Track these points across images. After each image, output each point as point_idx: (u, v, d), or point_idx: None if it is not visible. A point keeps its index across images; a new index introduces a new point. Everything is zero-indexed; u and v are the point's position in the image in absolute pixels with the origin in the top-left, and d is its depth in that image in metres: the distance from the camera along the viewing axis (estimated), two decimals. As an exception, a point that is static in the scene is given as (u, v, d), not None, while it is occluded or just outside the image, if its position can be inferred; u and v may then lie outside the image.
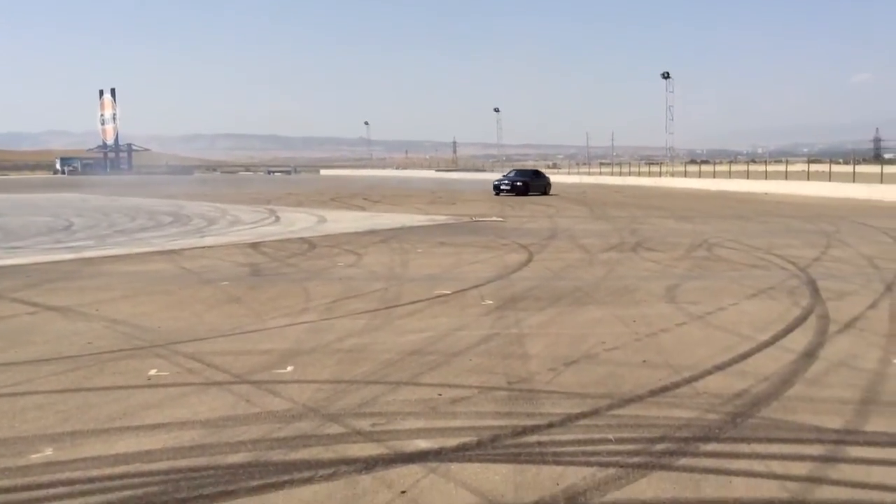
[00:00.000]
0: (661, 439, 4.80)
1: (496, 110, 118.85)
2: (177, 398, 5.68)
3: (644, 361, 6.68)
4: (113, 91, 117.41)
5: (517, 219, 23.41)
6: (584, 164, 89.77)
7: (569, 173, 72.03)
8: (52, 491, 4.06)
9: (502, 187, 39.42)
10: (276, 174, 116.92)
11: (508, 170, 49.75)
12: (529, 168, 50.64)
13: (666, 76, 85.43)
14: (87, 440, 4.80)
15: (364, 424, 5.07)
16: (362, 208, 29.58)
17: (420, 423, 5.11)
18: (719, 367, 6.44)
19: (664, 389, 5.84)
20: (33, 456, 4.55)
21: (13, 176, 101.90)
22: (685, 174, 59.38)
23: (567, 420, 5.17)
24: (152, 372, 6.38)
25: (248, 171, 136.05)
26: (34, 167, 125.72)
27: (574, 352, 7.01)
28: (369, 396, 5.69)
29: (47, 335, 7.80)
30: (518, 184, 39.53)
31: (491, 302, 9.54)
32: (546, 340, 7.51)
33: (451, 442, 4.74)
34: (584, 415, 5.27)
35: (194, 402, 5.59)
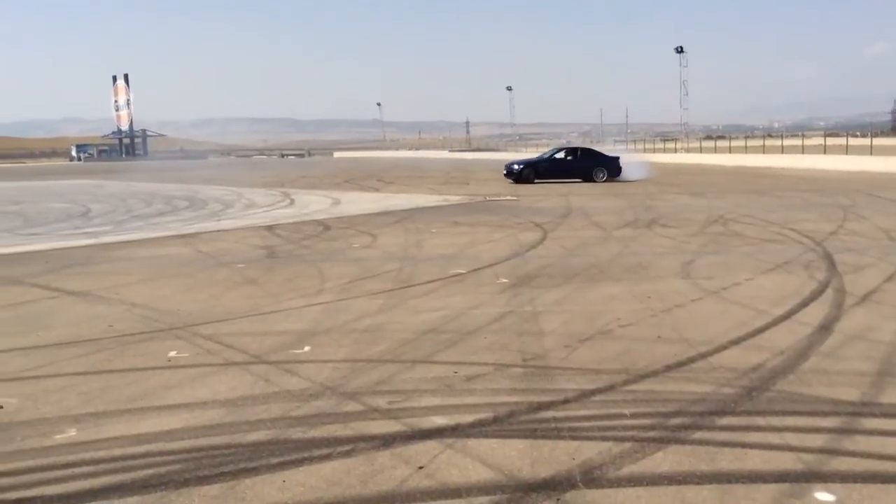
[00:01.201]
0: (677, 413, 4.82)
1: (509, 89, 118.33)
2: (197, 379, 5.76)
3: (659, 337, 6.70)
4: (126, 77, 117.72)
5: (531, 198, 23.35)
6: (599, 141, 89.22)
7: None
8: (76, 470, 4.14)
9: (504, 172, 31.07)
10: (289, 157, 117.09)
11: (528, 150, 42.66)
12: (567, 146, 39.75)
13: (680, 51, 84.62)
14: (110, 420, 4.89)
15: (381, 402, 5.12)
16: (376, 190, 29.61)
17: (436, 401, 5.16)
18: (735, 342, 6.45)
19: (679, 364, 5.86)
20: (57, 436, 4.64)
21: (30, 163, 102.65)
22: (700, 150, 58.99)
23: (582, 396, 5.20)
24: (172, 353, 6.47)
25: (261, 154, 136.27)
26: (50, 154, 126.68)
27: (589, 328, 7.03)
28: (386, 375, 5.74)
29: (68, 319, 7.91)
30: (514, 167, 30.69)
31: (506, 280, 9.56)
32: (561, 317, 7.53)
33: (468, 418, 4.78)
34: (599, 390, 5.30)
35: (214, 382, 5.66)
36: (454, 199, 23.58)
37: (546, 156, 32.80)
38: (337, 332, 7.12)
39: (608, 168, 30.66)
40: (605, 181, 29.98)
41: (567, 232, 14.54)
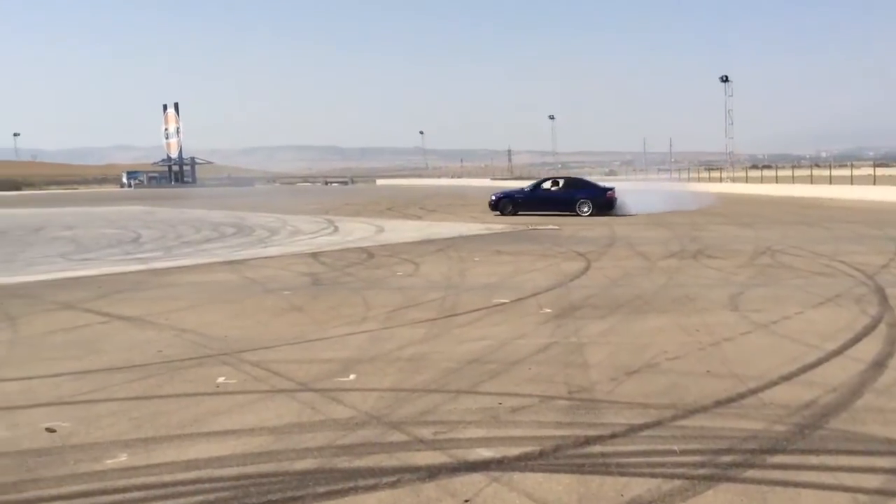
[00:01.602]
0: (728, 451, 4.74)
1: (551, 118, 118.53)
2: (244, 405, 5.82)
3: (708, 371, 6.60)
4: (176, 105, 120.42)
5: (574, 227, 23.26)
6: (642, 170, 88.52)
7: (626, 180, 71.13)
8: (128, 495, 4.21)
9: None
10: (333, 184, 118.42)
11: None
12: (563, 175, 38.72)
13: (725, 79, 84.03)
14: (160, 446, 4.96)
15: (426, 433, 5.12)
16: (419, 217, 29.76)
17: (481, 432, 5.14)
18: (786, 378, 6.32)
19: (729, 400, 5.76)
20: (109, 461, 4.72)
21: (82, 190, 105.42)
22: (746, 179, 58.21)
23: (630, 430, 5.14)
24: (220, 380, 6.56)
25: (306, 181, 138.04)
26: (102, 181, 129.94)
27: (635, 361, 6.95)
28: (430, 405, 5.74)
29: (119, 344, 8.07)
30: (492, 199, 29.67)
31: (549, 310, 9.52)
32: (606, 349, 7.47)
33: (513, 451, 4.76)
34: (647, 425, 5.23)
35: (261, 409, 5.72)
36: (497, 227, 23.59)
37: (530, 186, 30.80)
38: (381, 360, 7.15)
39: (595, 201, 27.96)
40: (588, 215, 27.44)
41: (611, 262, 14.44)
